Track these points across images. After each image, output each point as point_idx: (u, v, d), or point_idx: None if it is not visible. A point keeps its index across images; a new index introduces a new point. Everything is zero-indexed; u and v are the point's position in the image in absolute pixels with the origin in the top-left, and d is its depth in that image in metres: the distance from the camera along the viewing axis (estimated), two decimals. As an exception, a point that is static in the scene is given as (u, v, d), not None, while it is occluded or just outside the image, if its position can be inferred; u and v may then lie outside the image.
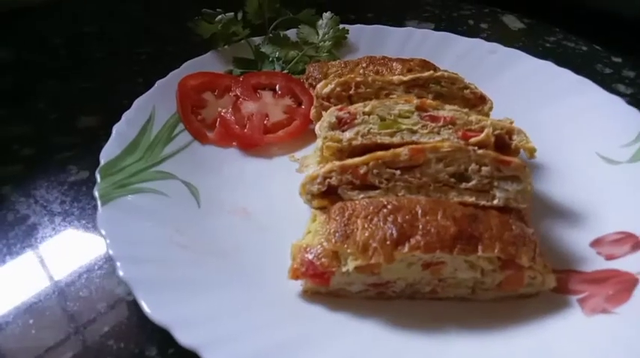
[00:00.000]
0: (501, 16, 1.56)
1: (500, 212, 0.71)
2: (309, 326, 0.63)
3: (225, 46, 1.08)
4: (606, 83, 1.25)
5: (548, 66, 1.10)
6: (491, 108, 0.91)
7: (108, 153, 0.78)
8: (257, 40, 1.14)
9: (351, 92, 0.89)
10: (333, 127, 0.80)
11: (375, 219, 0.66)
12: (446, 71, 1.00)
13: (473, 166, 0.73)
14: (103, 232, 0.65)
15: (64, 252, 0.73)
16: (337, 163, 0.73)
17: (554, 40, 1.44)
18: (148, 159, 0.81)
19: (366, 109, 0.81)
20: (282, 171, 0.87)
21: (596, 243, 0.78)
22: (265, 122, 0.95)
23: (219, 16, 1.05)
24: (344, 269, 0.64)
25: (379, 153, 0.73)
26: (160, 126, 0.88)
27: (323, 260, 0.65)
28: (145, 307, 0.57)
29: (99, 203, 0.69)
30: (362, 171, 0.72)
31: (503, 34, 1.48)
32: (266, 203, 0.81)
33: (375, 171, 0.72)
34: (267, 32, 1.14)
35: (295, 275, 0.66)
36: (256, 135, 0.92)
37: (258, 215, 0.79)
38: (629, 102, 1.18)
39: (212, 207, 0.79)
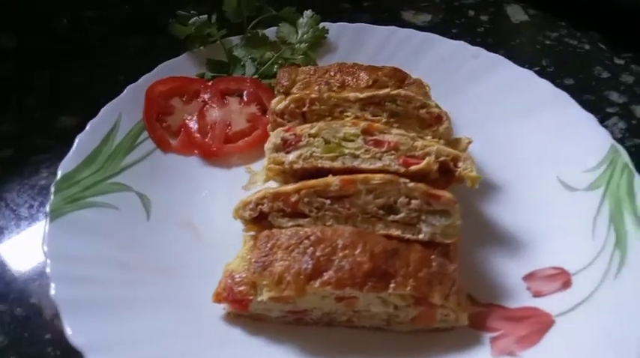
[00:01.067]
0: (506, 6, 1.49)
1: (425, 246, 0.73)
2: (227, 352, 0.68)
3: (201, 47, 1.10)
4: (599, 90, 1.21)
5: (528, 75, 1.07)
6: (447, 129, 0.90)
7: (65, 165, 0.83)
8: (235, 39, 1.15)
9: (305, 109, 0.90)
10: (277, 149, 0.83)
11: (295, 252, 0.70)
12: (421, 78, 1.01)
13: (402, 199, 0.74)
14: (45, 249, 0.71)
15: (24, 257, 0.80)
16: (270, 190, 0.75)
17: (556, 36, 1.37)
18: (107, 169, 0.86)
19: (312, 131, 0.83)
20: (237, 184, 0.90)
21: (529, 277, 0.79)
22: (228, 130, 0.98)
23: (193, 19, 1.07)
24: (259, 298, 0.68)
25: (311, 182, 0.75)
26: (123, 134, 0.93)
27: (241, 288, 0.70)
28: (67, 329, 0.63)
29: (48, 219, 0.75)
30: (293, 199, 0.75)
31: (503, 27, 1.42)
32: (214, 218, 0.85)
33: (305, 199, 0.75)
34: (244, 32, 1.14)
35: (218, 299, 0.71)
36: (216, 145, 0.95)
37: (204, 230, 0.84)
38: (618, 113, 1.14)
39: (161, 221, 0.84)
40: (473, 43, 1.34)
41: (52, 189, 0.79)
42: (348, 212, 0.75)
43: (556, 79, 1.23)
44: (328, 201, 0.75)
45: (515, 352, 0.68)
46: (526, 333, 0.70)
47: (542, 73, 1.23)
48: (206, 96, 1.01)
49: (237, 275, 0.71)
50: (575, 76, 1.26)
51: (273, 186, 0.83)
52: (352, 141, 0.82)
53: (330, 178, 0.75)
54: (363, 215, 0.75)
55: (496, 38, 1.38)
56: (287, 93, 0.99)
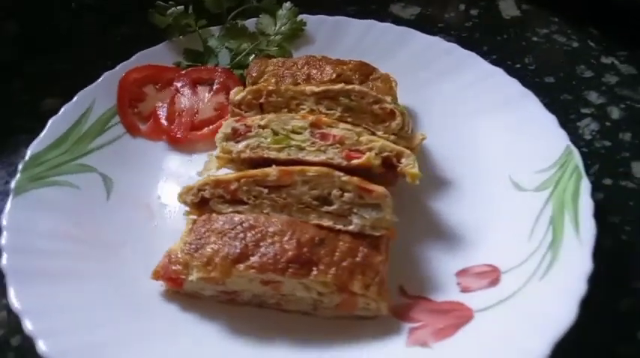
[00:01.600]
0: (499, 0, 1.47)
1: (355, 237, 0.76)
2: (160, 326, 0.73)
3: (180, 37, 1.15)
4: (578, 89, 1.19)
5: (497, 73, 1.07)
6: (399, 125, 0.91)
7: (35, 146, 0.89)
8: (215, 30, 1.18)
9: (262, 100, 0.93)
10: (227, 138, 0.86)
11: (227, 236, 0.74)
12: (382, 75, 1.03)
13: (336, 192, 0.77)
14: (4, 223, 0.78)
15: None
16: (212, 179, 0.80)
17: (545, 33, 1.35)
18: (75, 151, 0.92)
19: (262, 123, 0.86)
20: (195, 170, 0.95)
21: (462, 273, 0.80)
22: (194, 118, 1.02)
23: (171, 9, 1.11)
24: (190, 278, 0.73)
25: (251, 172, 0.79)
26: (95, 118, 0.98)
27: (176, 267, 0.74)
28: (10, 294, 0.69)
29: (11, 195, 0.82)
30: (233, 187, 0.79)
31: (492, 22, 1.41)
32: (169, 202, 0.90)
33: (245, 188, 0.78)
34: (224, 22, 1.18)
35: (155, 276, 0.76)
36: (181, 132, 1.00)
37: (158, 212, 0.89)
38: (593, 114, 1.13)
39: (119, 201, 0.89)
40: (458, 37, 1.35)
41: (20, 168, 0.86)
42: (285, 201, 0.78)
43: (536, 77, 1.23)
44: (266, 190, 0.78)
45: (428, 343, 0.70)
46: (444, 326, 0.72)
47: (523, 70, 1.24)
48: (178, 85, 1.06)
49: (174, 256, 0.75)
50: (557, 74, 1.24)
51: (227, 173, 0.87)
52: (300, 133, 0.85)
53: (269, 169, 0.79)
54: (298, 205, 0.78)
55: (483, 33, 1.37)
56: (255, 84, 1.03)
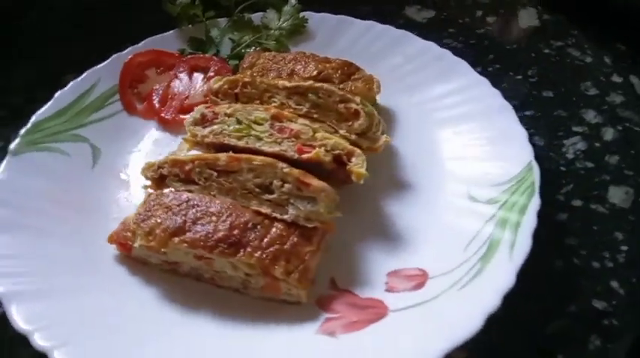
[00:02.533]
0: (521, 9, 1.43)
1: (289, 226, 0.80)
2: (104, 282, 0.82)
3: (190, 26, 1.23)
4: (576, 107, 1.15)
5: (481, 84, 1.06)
6: (361, 126, 0.94)
7: (39, 115, 1.01)
8: (222, 21, 1.26)
9: (237, 91, 1.00)
10: (196, 123, 0.94)
11: (171, 211, 0.81)
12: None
13: (277, 182, 0.82)
14: (-5, 178, 0.90)
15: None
16: (171, 158, 0.87)
17: (560, 45, 1.31)
18: (73, 122, 1.03)
19: (228, 111, 0.93)
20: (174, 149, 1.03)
21: (393, 274, 0.83)
22: (185, 103, 1.10)
23: (180, 0, 1.20)
24: (135, 244, 0.81)
25: (204, 155, 0.86)
26: (97, 94, 1.09)
27: (127, 234, 0.83)
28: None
29: (7, 156, 0.94)
30: (187, 167, 0.86)
31: (507, 31, 1.38)
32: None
33: (197, 169, 0.85)
34: (232, 14, 1.25)
35: (110, 240, 0.85)
36: (170, 114, 1.08)
37: (134, 185, 0.98)
38: (584, 133, 1.09)
39: (103, 171, 0.99)
40: (465, 44, 1.34)
41: (20, 133, 0.98)
42: (230, 186, 0.84)
43: (534, 90, 1.21)
44: (215, 174, 0.85)
45: (336, 333, 0.74)
46: (357, 320, 0.75)
47: (522, 83, 1.21)
48: (176, 70, 1.14)
49: (127, 224, 0.84)
50: (557, 89, 1.20)
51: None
52: (261, 124, 0.91)
53: (220, 154, 0.85)
54: (242, 190, 0.84)
55: (492, 41, 1.35)
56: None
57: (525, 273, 0.81)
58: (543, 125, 1.11)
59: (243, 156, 0.84)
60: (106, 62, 1.14)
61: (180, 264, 0.83)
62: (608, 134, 1.09)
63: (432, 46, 1.15)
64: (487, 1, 1.47)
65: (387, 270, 0.84)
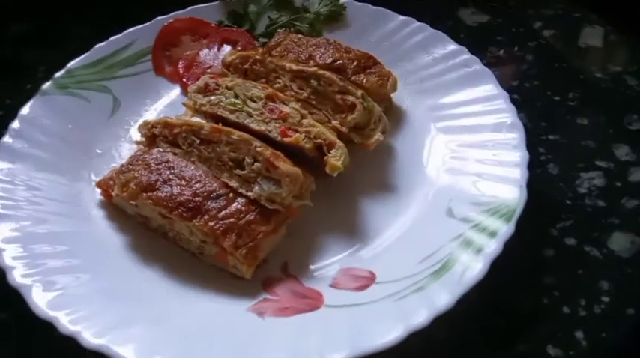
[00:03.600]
0: (587, 26, 1.31)
1: (251, 203, 0.82)
2: (83, 223, 0.89)
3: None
4: (608, 139, 1.05)
5: (499, 98, 1.00)
6: (354, 119, 0.93)
7: (74, 63, 1.11)
8: (265, -3, 1.28)
9: (247, 67, 1.02)
10: (199, 91, 0.98)
11: (149, 169, 0.86)
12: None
13: (248, 159, 0.84)
14: (22, 113, 1.00)
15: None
16: (164, 119, 0.92)
17: (617, 71, 1.21)
18: (103, 74, 1.12)
19: (229, 84, 0.96)
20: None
21: (344, 271, 0.82)
22: (208, 71, 1.15)
23: (225, -26, 1.24)
24: (113, 193, 0.87)
25: (191, 122, 0.89)
26: (132, 52, 1.17)
27: (110, 182, 0.89)
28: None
29: (36, 95, 1.04)
30: (175, 131, 0.90)
31: (559, 47, 1.27)
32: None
33: (183, 134, 0.89)
34: (278, -8, 1.27)
35: (97, 184, 0.92)
36: (190, 80, 1.13)
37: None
38: (607, 169, 1.00)
39: (116, 122, 1.06)
40: (510, 55, 1.28)
41: (53, 76, 1.08)
42: (209, 155, 0.87)
43: (568, 115, 1.11)
44: (198, 141, 0.88)
45: (264, 314, 0.75)
46: (288, 306, 0.76)
47: (559, 104, 1.12)
48: (208, 40, 1.19)
49: (115, 172, 0.90)
50: (595, 118, 1.10)
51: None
52: (255, 102, 0.93)
53: (204, 122, 0.88)
54: (217, 161, 0.86)
55: (540, 56, 1.25)
56: (268, 53, 1.12)
57: (482, 301, 0.78)
58: (565, 153, 1.02)
59: (224, 128, 0.86)
60: (147, 24, 1.21)
61: (150, 219, 0.88)
62: (636, 175, 0.98)
63: (462, 50, 1.10)
64: (551, 12, 1.37)
65: (340, 266, 0.83)
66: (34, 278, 0.76)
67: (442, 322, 0.71)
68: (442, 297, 0.71)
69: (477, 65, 1.06)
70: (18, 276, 0.75)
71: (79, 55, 1.15)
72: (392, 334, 0.67)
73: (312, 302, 0.77)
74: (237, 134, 0.85)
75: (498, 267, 0.78)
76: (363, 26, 1.21)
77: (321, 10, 1.24)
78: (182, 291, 0.80)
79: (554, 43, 1.28)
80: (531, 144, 1.01)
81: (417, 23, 1.18)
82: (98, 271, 0.81)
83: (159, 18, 1.22)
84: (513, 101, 1.12)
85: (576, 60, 1.23)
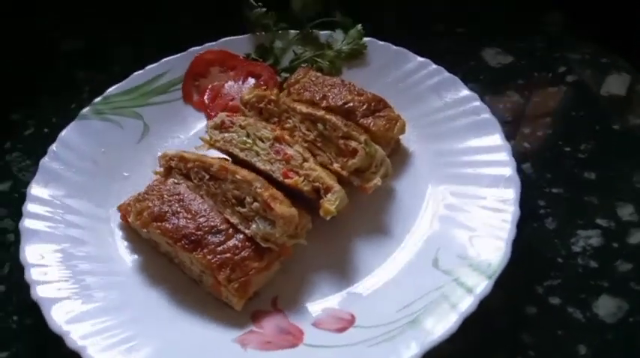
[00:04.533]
0: (614, 73, 1.29)
1: (248, 240, 0.89)
2: (105, 241, 1.00)
3: (263, 33, 1.35)
4: (616, 195, 1.05)
5: (501, 150, 1.01)
6: (355, 164, 0.98)
7: (111, 90, 1.22)
8: (292, 33, 1.35)
9: (262, 106, 1.09)
10: (216, 127, 1.06)
11: (162, 199, 0.95)
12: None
13: (249, 198, 0.91)
14: (61, 134, 1.12)
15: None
16: (180, 152, 1.00)
17: (636, 124, 1.16)
18: (136, 101, 1.22)
19: (243, 123, 1.03)
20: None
21: (327, 310, 0.88)
22: (230, 102, 1.23)
23: (255, 10, 1.31)
24: (129, 219, 0.96)
25: (203, 158, 0.98)
26: (165, 80, 1.27)
27: (128, 208, 0.99)
28: (31, 188, 1.02)
29: (76, 119, 1.16)
30: (189, 165, 0.98)
31: (578, 95, 1.26)
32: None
33: (195, 169, 0.98)
34: (303, 28, 1.33)
35: (119, 207, 1.02)
36: (214, 111, 1.22)
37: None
38: (606, 229, 1.00)
39: (145, 148, 1.16)
40: (528, 101, 1.27)
41: (93, 102, 1.19)
42: (215, 191, 0.95)
43: (576, 168, 1.11)
44: (207, 177, 0.96)
45: (246, 346, 0.82)
46: (271, 341, 0.83)
47: (569, 156, 1.12)
48: (234, 72, 1.27)
49: (132, 198, 1.00)
50: (604, 173, 1.09)
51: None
52: (263, 142, 1.00)
53: (214, 160, 0.96)
54: (222, 197, 0.94)
55: (557, 103, 1.24)
56: (288, 89, 1.19)
57: (454, 355, 0.81)
58: (566, 208, 1.03)
59: (231, 168, 0.94)
60: (182, 53, 1.31)
61: (159, 245, 0.97)
62: (636, 238, 0.97)
63: (473, 97, 1.12)
64: (578, 56, 1.35)
65: (324, 305, 0.89)
66: (51, 294, 0.87)
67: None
68: (410, 349, 0.76)
69: (486, 114, 1.09)
70: (40, 291, 0.86)
71: (121, 78, 1.27)
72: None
73: (292, 339, 0.83)
74: (241, 174, 0.92)
75: (477, 320, 0.81)
76: (382, 66, 1.26)
77: (344, 47, 1.29)
78: (179, 314, 0.89)
79: (575, 89, 1.27)
80: (532, 196, 1.04)
81: (434, 66, 1.21)
82: (107, 289, 0.91)
83: (193, 49, 1.32)
84: (523, 149, 1.15)
85: (595, 109, 1.22)
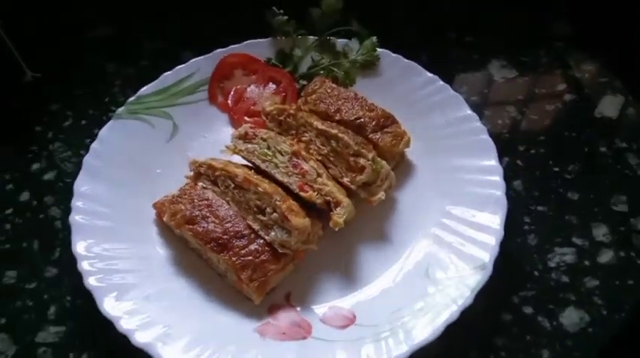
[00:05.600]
0: (609, 94, 1.39)
1: (267, 245, 1.03)
2: (142, 233, 1.14)
3: (283, 38, 1.44)
4: (591, 218, 1.16)
5: (493, 172, 1.13)
6: (362, 180, 1.11)
7: (143, 90, 1.33)
8: (310, 39, 1.44)
9: (282, 118, 1.20)
10: (240, 137, 1.18)
11: (193, 203, 1.08)
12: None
13: (269, 209, 1.04)
14: (95, 131, 1.25)
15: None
16: (209, 161, 1.13)
17: (621, 147, 1.30)
18: (166, 101, 1.34)
19: (265, 136, 1.15)
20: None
21: (333, 308, 1.03)
22: (252, 107, 1.34)
23: (278, 17, 1.40)
24: (164, 218, 1.11)
25: (229, 168, 1.10)
26: (193, 81, 1.38)
27: (163, 207, 1.13)
28: (77, 184, 1.16)
29: (112, 119, 1.28)
30: (217, 173, 1.11)
31: (576, 115, 1.36)
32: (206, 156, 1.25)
33: (222, 178, 1.11)
34: (321, 36, 1.42)
35: (154, 205, 1.16)
36: (237, 114, 1.34)
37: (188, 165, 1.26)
38: (581, 249, 1.12)
39: (174, 146, 1.29)
40: (525, 117, 1.38)
41: (127, 101, 1.31)
42: (239, 199, 1.08)
43: (560, 188, 1.23)
44: (232, 185, 1.09)
45: (265, 335, 0.98)
46: (285, 332, 0.99)
47: (553, 176, 1.24)
48: (255, 77, 1.38)
49: (168, 198, 1.14)
50: (586, 195, 1.21)
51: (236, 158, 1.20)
52: (282, 155, 1.12)
53: (239, 171, 1.09)
54: (245, 205, 1.08)
55: (552, 122, 1.35)
56: (305, 98, 1.30)
57: (432, 354, 0.96)
58: (547, 226, 1.16)
59: (254, 180, 1.07)
60: (208, 55, 1.41)
61: (189, 242, 1.12)
62: (605, 257, 1.11)
63: (472, 117, 1.23)
64: (578, 75, 1.45)
65: (330, 303, 1.04)
66: (101, 283, 1.02)
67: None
68: (400, 348, 0.91)
69: (484, 135, 1.20)
70: (92, 281, 1.02)
71: (147, 73, 1.38)
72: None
73: (302, 331, 0.99)
74: (262, 187, 1.06)
75: (458, 323, 0.96)
76: (393, 77, 1.36)
77: (358, 57, 1.39)
78: (207, 303, 1.04)
79: (571, 109, 1.37)
80: (519, 213, 1.17)
81: (440, 82, 1.31)
82: (148, 279, 1.06)
83: (218, 50, 1.41)
84: (516, 167, 1.26)
85: (587, 131, 1.32)
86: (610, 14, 1.54)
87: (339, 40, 1.42)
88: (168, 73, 1.37)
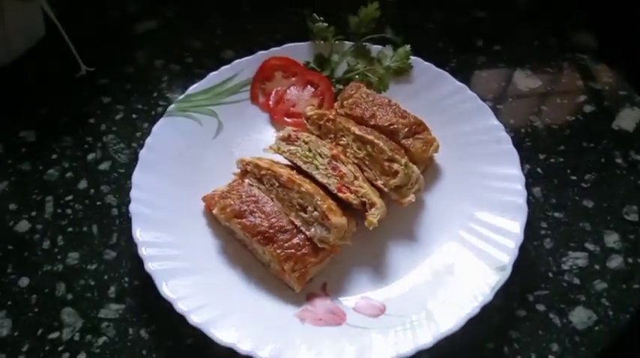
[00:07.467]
0: (625, 106, 1.47)
1: (308, 239, 1.15)
2: (193, 223, 1.26)
3: (321, 42, 1.53)
4: (603, 225, 1.26)
5: (516, 181, 1.23)
6: (395, 183, 1.21)
7: (191, 89, 1.43)
8: (347, 44, 1.53)
9: (321, 122, 1.30)
10: (283, 138, 1.28)
11: (241, 199, 1.20)
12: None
13: (310, 207, 1.15)
14: (145, 125, 1.35)
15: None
16: (255, 160, 1.24)
17: (637, 159, 1.36)
18: (212, 99, 1.44)
19: (306, 139, 1.26)
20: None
21: (365, 298, 1.14)
22: (291, 108, 1.44)
23: (317, 23, 1.49)
24: (214, 211, 1.22)
25: (274, 168, 1.21)
26: (236, 82, 1.48)
27: (212, 201, 1.24)
28: (135, 176, 1.28)
29: (164, 115, 1.38)
30: (262, 172, 1.22)
31: (594, 127, 1.44)
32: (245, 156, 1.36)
33: (267, 176, 1.22)
34: (357, 42, 1.51)
35: (204, 199, 1.28)
36: (277, 114, 1.44)
37: (233, 161, 1.36)
38: (592, 254, 1.22)
39: (219, 142, 1.39)
40: (547, 128, 1.45)
41: (177, 99, 1.41)
42: (283, 196, 1.20)
43: (577, 196, 1.31)
44: (277, 184, 1.20)
45: (304, 321, 1.10)
46: (321, 318, 1.11)
47: (570, 185, 1.33)
48: (295, 79, 1.47)
49: (217, 193, 1.25)
50: (600, 203, 1.29)
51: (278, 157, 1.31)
52: (322, 158, 1.23)
53: (284, 171, 1.20)
54: (288, 202, 1.19)
55: (572, 132, 1.43)
56: (341, 102, 1.39)
57: (453, 343, 1.07)
58: (563, 231, 1.26)
59: (297, 180, 1.18)
60: (250, 57, 1.50)
61: (236, 233, 1.24)
62: (615, 263, 1.21)
63: (498, 127, 1.32)
64: (598, 86, 1.52)
65: (362, 293, 1.16)
66: (160, 267, 1.14)
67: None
68: (425, 338, 1.03)
69: (509, 144, 1.29)
70: (152, 265, 1.14)
71: (192, 70, 1.49)
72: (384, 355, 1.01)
73: (338, 319, 1.11)
74: (305, 187, 1.16)
75: (477, 317, 1.07)
76: (424, 84, 1.45)
77: (392, 64, 1.48)
78: (251, 290, 1.16)
79: (590, 120, 1.45)
80: (537, 218, 1.27)
81: (469, 92, 1.40)
82: (199, 266, 1.18)
83: (260, 52, 1.51)
84: (536, 175, 1.36)
85: (604, 142, 1.41)
86: (634, 28, 1.61)
87: (374, 47, 1.51)
88: (214, 73, 1.48)
